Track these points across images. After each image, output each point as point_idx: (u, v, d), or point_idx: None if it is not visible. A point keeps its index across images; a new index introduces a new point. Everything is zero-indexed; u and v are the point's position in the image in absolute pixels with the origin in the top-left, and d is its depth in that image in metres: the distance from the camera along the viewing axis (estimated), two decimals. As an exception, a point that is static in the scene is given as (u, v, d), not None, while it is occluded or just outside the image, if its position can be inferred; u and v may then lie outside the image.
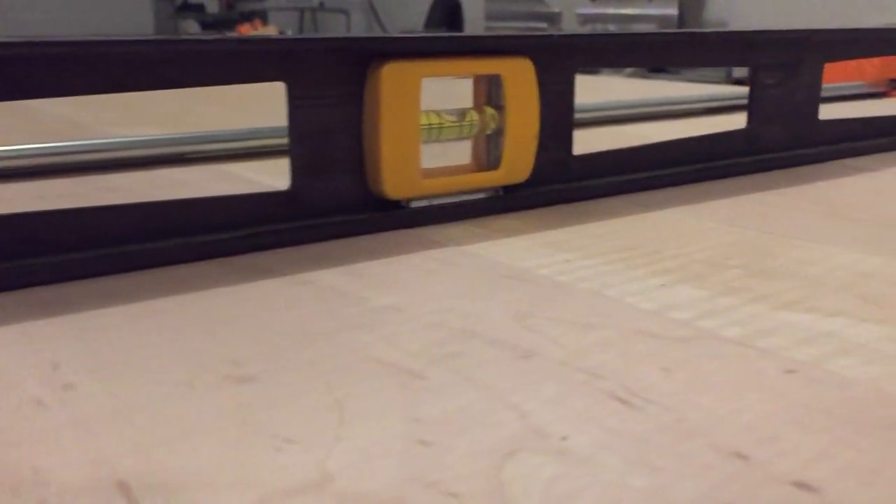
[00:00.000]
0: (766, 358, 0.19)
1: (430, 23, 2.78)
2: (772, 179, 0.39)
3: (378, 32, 3.27)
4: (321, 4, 3.14)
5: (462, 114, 0.32)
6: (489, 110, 0.32)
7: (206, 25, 3.45)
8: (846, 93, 0.72)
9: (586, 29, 2.18)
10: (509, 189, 0.33)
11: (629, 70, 1.91)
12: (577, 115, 0.55)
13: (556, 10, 2.30)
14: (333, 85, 0.29)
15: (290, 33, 2.32)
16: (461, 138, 0.32)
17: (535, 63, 0.32)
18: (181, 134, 0.43)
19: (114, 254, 0.25)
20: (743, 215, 0.33)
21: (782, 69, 0.42)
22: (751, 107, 0.41)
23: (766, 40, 0.40)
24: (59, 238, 0.24)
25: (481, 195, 0.33)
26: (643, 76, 1.75)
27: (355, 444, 0.15)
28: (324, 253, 0.27)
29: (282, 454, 0.15)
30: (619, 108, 0.57)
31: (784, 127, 0.43)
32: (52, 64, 0.24)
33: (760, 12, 2.14)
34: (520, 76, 0.32)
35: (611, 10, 2.14)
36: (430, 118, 0.31)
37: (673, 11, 2.02)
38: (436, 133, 0.31)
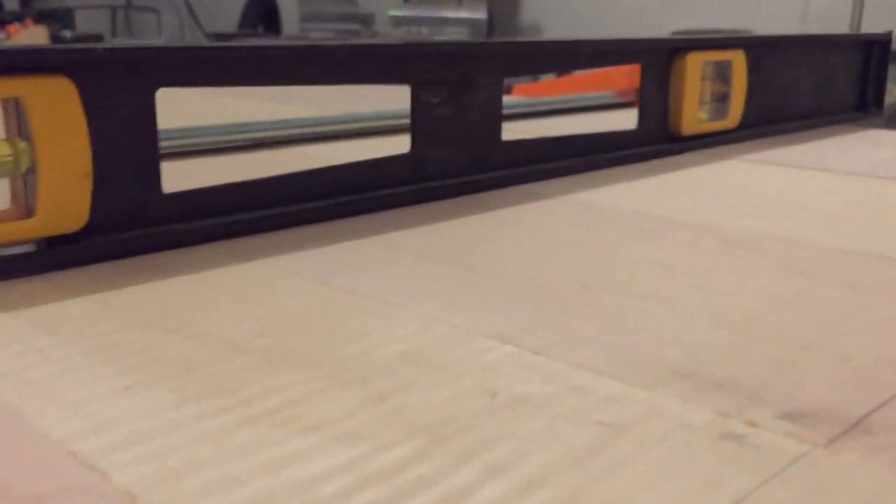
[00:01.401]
0: (128, 527, 0.13)
1: (244, 23, 2.66)
2: (429, 212, 0.35)
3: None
4: (129, 3, 2.94)
5: (-24, 148, 0.25)
6: (20, 143, 0.25)
7: (3, 24, 3.17)
8: (591, 103, 0.70)
9: (400, 31, 2.14)
10: (57, 241, 0.26)
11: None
12: (245, 136, 0.49)
13: (370, 11, 2.25)
14: None
15: (67, 35, 2.13)
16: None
17: (82, 83, 0.26)
18: None
19: None
20: (346, 265, 0.27)
21: (448, 86, 0.37)
22: (414, 129, 0.37)
23: (422, 54, 0.36)
24: None
25: (15, 251, 0.26)
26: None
27: None
28: None
29: None
30: (305, 126, 0.51)
31: (459, 150, 0.38)
32: None
33: (572, 16, 2.17)
34: (52, 99, 0.25)
35: (422, 13, 2.11)
36: (-84, 156, 0.24)
37: (482, 16, 2.01)
38: (-75, 174, 0.24)
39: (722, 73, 0.51)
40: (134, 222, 0.28)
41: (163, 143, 0.29)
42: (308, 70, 0.33)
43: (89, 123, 0.26)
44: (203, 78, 0.29)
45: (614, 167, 0.45)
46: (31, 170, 0.25)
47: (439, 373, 0.19)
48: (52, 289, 0.25)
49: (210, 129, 0.47)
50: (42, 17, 2.94)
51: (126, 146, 0.28)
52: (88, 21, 3.33)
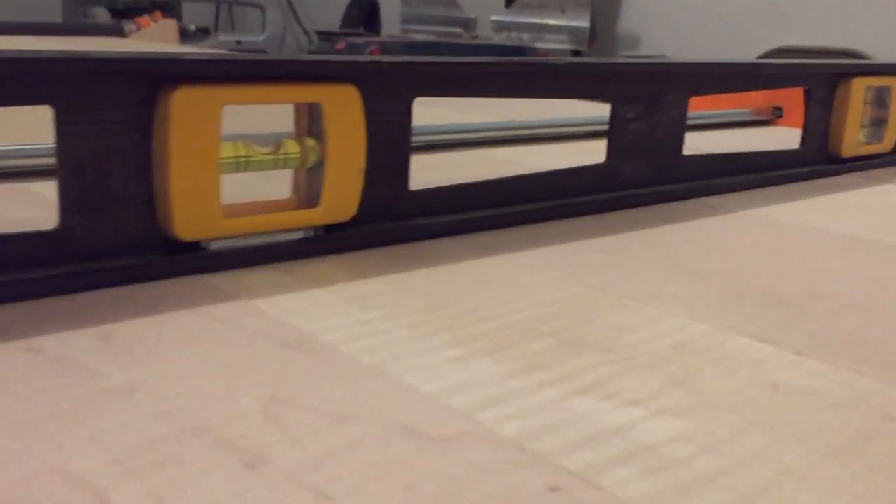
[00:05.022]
0: (534, 467, 0.16)
1: (346, 22, 2.73)
2: (625, 220, 0.37)
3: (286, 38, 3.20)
4: (236, -3, 3.05)
5: (277, 144, 0.29)
6: (309, 141, 0.29)
7: (115, 13, 3.32)
8: (731, 120, 0.72)
9: (501, 36, 2.18)
10: (332, 228, 0.30)
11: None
12: (440, 137, 0.53)
13: (472, 15, 2.29)
14: (115, 110, 0.25)
15: (192, 28, 2.23)
16: (279, 169, 0.29)
17: (364, 90, 0.29)
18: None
19: None
20: (582, 265, 0.30)
21: (643, 102, 0.40)
22: (610, 141, 0.39)
23: (624, 73, 0.39)
24: None
25: (298, 235, 0.30)
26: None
27: None
28: (86, 307, 0.23)
29: None
30: (489, 130, 0.55)
31: (646, 162, 0.41)
32: None
33: (673, 27, 2.17)
34: (342, 105, 0.29)
35: (524, 19, 2.13)
36: (237, 150, 0.28)
37: (585, 24, 2.02)
38: (242, 166, 0.28)
39: (880, 98, 0.53)
40: (390, 215, 0.32)
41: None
42: (530, 85, 0.36)
43: (366, 126, 0.30)
44: (454, 89, 0.33)
45: (777, 185, 0.47)
46: (318, 165, 0.29)
47: (717, 363, 0.22)
48: (336, 271, 0.28)
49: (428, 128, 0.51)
50: (155, 8, 3.07)
51: (386, 147, 0.31)
52: (193, 14, 3.46)
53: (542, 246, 0.32)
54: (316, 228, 0.30)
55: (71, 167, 0.25)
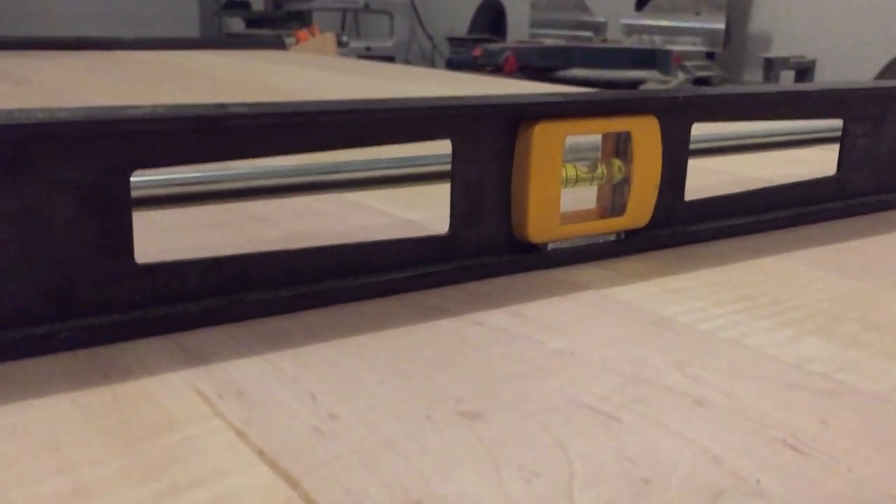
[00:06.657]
0: (905, 413, 0.22)
1: (474, 28, 2.82)
2: (861, 226, 0.42)
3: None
4: (366, 5, 3.19)
5: (594, 166, 0.35)
6: (616, 162, 0.36)
7: (251, 23, 3.52)
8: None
9: (632, 39, 2.21)
10: (629, 233, 0.37)
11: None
12: None
13: (602, 19, 2.33)
14: (489, 141, 0.32)
15: (345, 38, 2.37)
16: (594, 185, 0.36)
17: (659, 119, 0.36)
18: (312, 164, 0.47)
19: (312, 291, 0.29)
20: (845, 264, 0.36)
21: (870, 120, 0.45)
22: (841, 155, 0.44)
23: (855, 96, 0.43)
24: (266, 276, 0.28)
25: (609, 238, 0.36)
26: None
27: (588, 479, 0.19)
28: (480, 293, 0.31)
29: (532, 485, 0.18)
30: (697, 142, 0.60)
31: (870, 173, 0.46)
32: (262, 128, 0.27)
33: (804, 26, 2.15)
34: (646, 132, 0.35)
35: (656, 22, 2.16)
36: (568, 171, 0.34)
37: (720, 26, 2.03)
38: (571, 182, 0.35)
39: None
40: (671, 221, 0.38)
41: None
42: (783, 109, 0.41)
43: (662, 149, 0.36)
44: (722, 114, 0.39)
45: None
46: (623, 182, 0.36)
47: None
48: (644, 268, 0.35)
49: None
50: (290, 17, 3.24)
51: (670, 164, 0.37)
52: (322, 21, 3.62)
53: (802, 248, 0.38)
54: (619, 233, 0.36)
55: (460, 186, 0.32)
